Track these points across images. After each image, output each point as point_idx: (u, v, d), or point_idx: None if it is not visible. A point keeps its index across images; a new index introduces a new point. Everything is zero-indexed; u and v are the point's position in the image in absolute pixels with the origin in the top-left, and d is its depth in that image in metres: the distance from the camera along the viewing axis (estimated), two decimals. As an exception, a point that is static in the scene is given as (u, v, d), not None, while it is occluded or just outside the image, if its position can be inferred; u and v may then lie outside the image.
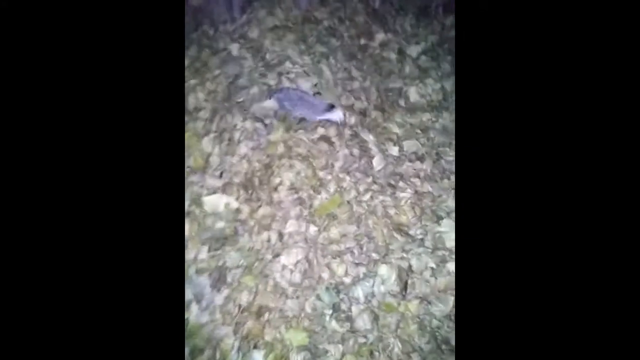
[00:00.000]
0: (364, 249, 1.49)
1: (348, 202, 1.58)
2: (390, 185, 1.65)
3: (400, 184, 1.66)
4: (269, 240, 1.47)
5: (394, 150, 1.74)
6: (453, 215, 1.56)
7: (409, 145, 1.77)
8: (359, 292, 1.39)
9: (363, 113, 1.86)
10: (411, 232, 1.54)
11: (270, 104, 1.79)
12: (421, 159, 1.74)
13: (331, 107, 1.75)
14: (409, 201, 1.60)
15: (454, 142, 1.77)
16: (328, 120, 1.76)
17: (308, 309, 1.34)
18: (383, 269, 1.44)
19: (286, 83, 1.87)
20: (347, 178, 1.63)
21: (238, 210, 1.51)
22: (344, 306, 1.37)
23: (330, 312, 1.35)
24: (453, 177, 1.66)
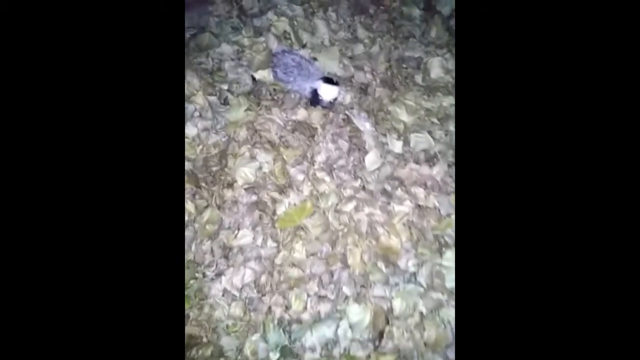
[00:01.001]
0: (335, 277, 1.15)
1: (323, 211, 1.21)
2: (384, 193, 1.26)
3: (398, 192, 1.26)
4: (212, 253, 1.15)
5: (397, 146, 1.31)
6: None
7: (419, 140, 1.33)
8: (318, 335, 1.07)
9: (363, 90, 1.41)
10: (401, 262, 1.17)
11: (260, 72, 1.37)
12: (432, 161, 1.31)
13: (327, 81, 1.32)
14: (406, 218, 1.22)
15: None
16: (309, 98, 1.35)
17: (247, 351, 1.05)
18: (354, 309, 1.10)
19: (270, 43, 1.44)
20: (327, 178, 1.25)
21: (180, 208, 1.19)
22: (295, 352, 1.07)
23: (277, 357, 1.06)
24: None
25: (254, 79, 1.37)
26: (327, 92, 1.32)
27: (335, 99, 1.35)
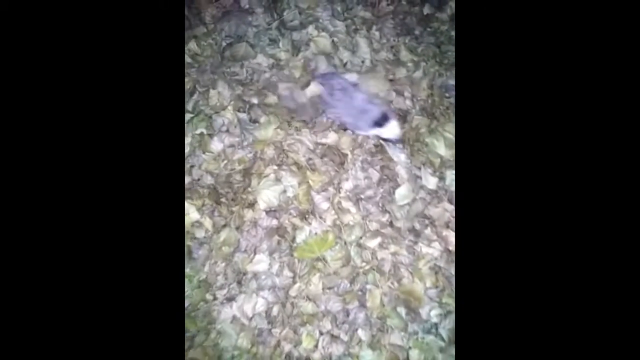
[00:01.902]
0: (350, 317, 1.09)
1: (346, 244, 1.15)
2: (412, 231, 1.18)
3: (428, 232, 1.18)
4: (225, 276, 1.11)
5: (431, 182, 1.24)
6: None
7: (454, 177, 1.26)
8: (327, 380, 1.01)
9: (402, 117, 1.34)
10: (423, 310, 1.09)
11: (312, 88, 1.30)
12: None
13: (384, 119, 1.23)
14: (433, 262, 1.14)
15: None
16: (380, 139, 1.27)
17: (251, 387, 1.01)
18: (368, 355, 1.04)
19: (308, 55, 1.39)
20: (353, 209, 1.19)
21: (198, 224, 1.15)
22: (301, 394, 1.01)
23: (280, 397, 1.00)
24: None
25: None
26: (391, 131, 1.23)
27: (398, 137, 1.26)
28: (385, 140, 1.28)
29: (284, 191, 1.15)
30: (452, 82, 1.43)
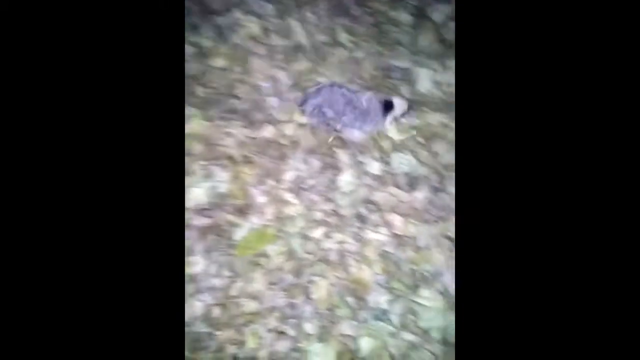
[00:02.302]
0: (296, 312, 1.05)
1: (288, 237, 1.11)
2: (358, 217, 1.16)
3: (374, 218, 1.16)
4: (159, 281, 1.04)
5: (375, 167, 1.21)
6: (439, 284, 1.08)
7: (401, 160, 1.23)
8: (273, 379, 0.97)
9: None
10: (371, 297, 1.07)
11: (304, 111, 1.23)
12: (414, 184, 1.21)
13: (390, 103, 1.25)
14: (381, 248, 1.12)
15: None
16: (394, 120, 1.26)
17: (193, 394, 0.95)
18: (317, 348, 1.01)
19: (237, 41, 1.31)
20: (295, 201, 1.15)
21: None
22: (246, 397, 0.97)
23: (225, 403, 0.95)
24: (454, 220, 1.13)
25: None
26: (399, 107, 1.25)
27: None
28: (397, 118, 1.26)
29: (214, 187, 1.10)
30: (395, 62, 1.41)
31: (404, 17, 1.47)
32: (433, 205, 1.17)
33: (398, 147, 1.26)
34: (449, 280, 1.08)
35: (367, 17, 1.45)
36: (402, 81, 1.38)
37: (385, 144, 1.26)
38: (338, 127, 1.23)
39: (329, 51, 1.36)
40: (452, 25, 1.46)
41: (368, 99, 1.25)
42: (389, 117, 1.26)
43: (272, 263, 1.08)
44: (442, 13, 1.49)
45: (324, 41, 1.37)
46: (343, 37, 1.41)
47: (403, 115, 1.27)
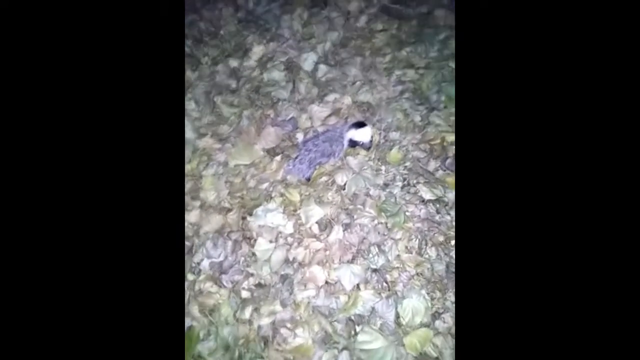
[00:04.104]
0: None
1: (216, 329, 1.08)
2: (282, 280, 1.14)
3: (299, 275, 1.16)
4: None
5: (289, 226, 1.24)
6: (375, 319, 1.07)
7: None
8: None
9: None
10: (316, 361, 1.04)
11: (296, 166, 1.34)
12: (326, 229, 1.24)
13: (361, 124, 1.37)
14: (312, 304, 1.11)
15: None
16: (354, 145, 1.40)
17: None
18: None
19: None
20: (215, 288, 1.14)
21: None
22: None
23: None
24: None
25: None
26: (362, 135, 1.36)
27: (372, 137, 1.40)
28: (355, 142, 1.38)
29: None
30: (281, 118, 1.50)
31: (278, 74, 1.60)
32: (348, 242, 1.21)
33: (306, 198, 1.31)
34: (383, 312, 1.09)
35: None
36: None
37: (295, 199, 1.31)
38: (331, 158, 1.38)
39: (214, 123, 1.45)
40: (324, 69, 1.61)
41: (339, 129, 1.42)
42: (351, 130, 1.38)
43: (209, 363, 1.06)
44: (311, 61, 1.64)
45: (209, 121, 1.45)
46: (226, 110, 1.50)
47: (363, 142, 1.39)
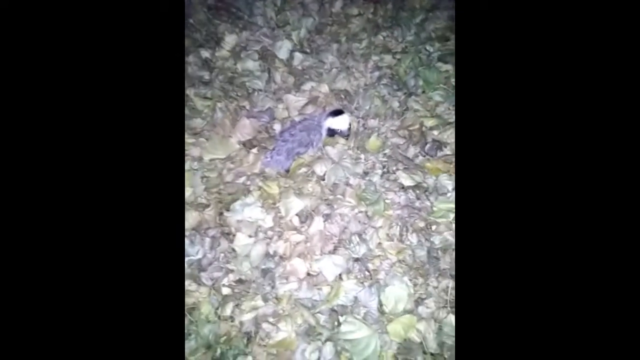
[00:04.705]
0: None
1: (197, 328, 1.06)
2: (264, 275, 1.13)
3: (280, 269, 1.14)
4: None
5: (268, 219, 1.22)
6: (358, 309, 1.07)
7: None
8: None
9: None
10: (298, 357, 1.04)
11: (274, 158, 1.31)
12: (307, 220, 1.22)
13: (338, 112, 1.36)
14: (295, 297, 1.10)
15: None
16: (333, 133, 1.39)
17: None
18: None
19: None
20: (194, 286, 1.12)
21: None
22: None
23: None
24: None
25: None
26: (340, 123, 1.35)
27: (350, 125, 1.38)
28: (333, 131, 1.36)
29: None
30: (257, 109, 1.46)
31: (252, 64, 1.56)
32: (330, 234, 1.19)
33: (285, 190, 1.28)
34: (366, 300, 1.09)
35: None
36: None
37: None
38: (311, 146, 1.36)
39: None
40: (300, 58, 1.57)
41: (318, 116, 1.40)
42: (328, 118, 1.36)
43: (191, 362, 1.04)
44: (286, 49, 1.59)
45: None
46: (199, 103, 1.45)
47: (340, 130, 1.38)
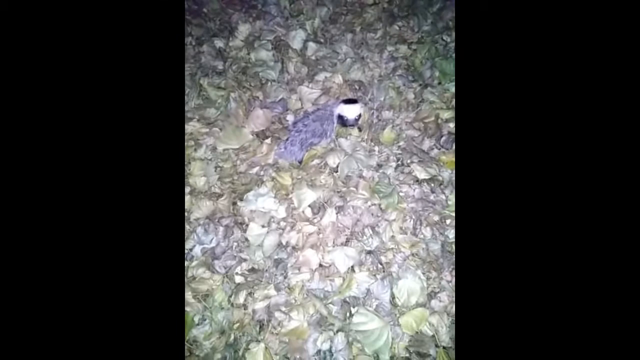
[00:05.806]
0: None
1: (211, 314, 1.09)
2: (276, 265, 1.15)
3: (292, 259, 1.16)
4: None
5: (281, 210, 1.23)
6: (370, 301, 1.08)
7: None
8: None
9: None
10: (310, 345, 1.05)
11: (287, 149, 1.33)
12: (320, 212, 1.23)
13: (352, 101, 1.37)
14: (307, 288, 1.11)
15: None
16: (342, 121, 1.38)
17: None
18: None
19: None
20: (208, 274, 1.14)
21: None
22: None
23: None
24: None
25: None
26: (349, 111, 1.34)
27: (360, 116, 1.37)
28: (341, 118, 1.36)
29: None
30: (270, 100, 1.46)
31: (266, 54, 1.55)
32: (343, 225, 1.20)
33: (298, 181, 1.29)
34: (378, 293, 1.09)
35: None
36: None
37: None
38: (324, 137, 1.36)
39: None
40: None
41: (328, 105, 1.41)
42: (340, 105, 1.36)
43: (205, 346, 1.06)
44: (299, 39, 1.58)
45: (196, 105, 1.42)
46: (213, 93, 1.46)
47: (350, 118, 1.37)
